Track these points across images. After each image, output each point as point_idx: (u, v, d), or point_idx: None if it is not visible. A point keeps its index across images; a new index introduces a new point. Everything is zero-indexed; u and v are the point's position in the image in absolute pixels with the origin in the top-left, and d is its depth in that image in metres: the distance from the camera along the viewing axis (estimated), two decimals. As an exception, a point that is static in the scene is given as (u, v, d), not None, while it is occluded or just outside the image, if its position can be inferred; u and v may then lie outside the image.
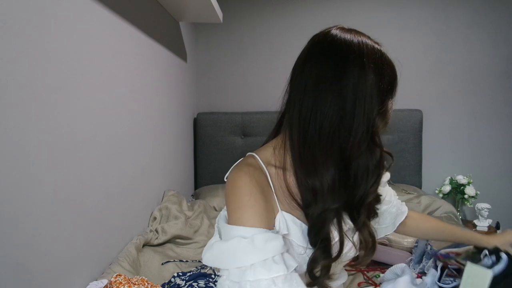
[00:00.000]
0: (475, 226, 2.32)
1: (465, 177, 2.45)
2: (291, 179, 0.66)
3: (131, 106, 1.47)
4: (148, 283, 1.08)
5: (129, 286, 1.01)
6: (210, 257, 0.61)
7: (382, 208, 0.84)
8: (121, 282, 1.01)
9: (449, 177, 2.53)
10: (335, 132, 0.60)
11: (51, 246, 0.93)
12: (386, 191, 0.88)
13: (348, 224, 0.68)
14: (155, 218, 1.64)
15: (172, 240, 1.57)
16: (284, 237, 0.63)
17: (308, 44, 0.66)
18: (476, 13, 2.48)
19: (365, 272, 1.33)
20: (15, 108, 0.80)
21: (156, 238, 1.52)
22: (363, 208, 0.67)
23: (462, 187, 2.42)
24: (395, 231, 0.93)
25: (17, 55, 0.80)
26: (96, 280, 1.11)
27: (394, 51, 2.49)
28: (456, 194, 2.46)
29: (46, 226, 0.91)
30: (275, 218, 0.64)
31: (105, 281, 1.07)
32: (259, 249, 0.57)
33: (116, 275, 1.06)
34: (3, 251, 0.77)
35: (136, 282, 1.05)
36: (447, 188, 2.46)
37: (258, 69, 2.63)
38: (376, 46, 0.65)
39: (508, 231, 0.96)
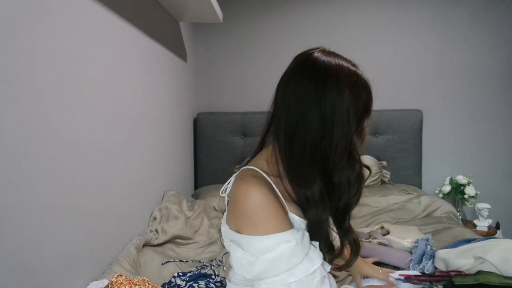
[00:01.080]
0: (475, 226, 2.33)
1: (465, 177, 2.45)
2: (288, 186, 0.72)
3: (131, 106, 1.47)
4: (149, 284, 1.08)
5: (130, 287, 1.01)
6: (260, 270, 0.67)
7: None
8: (122, 283, 1.01)
9: (449, 177, 2.54)
10: (316, 148, 0.66)
11: (51, 246, 0.93)
12: None
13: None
14: (155, 218, 1.64)
15: (172, 240, 1.57)
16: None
17: (291, 65, 0.73)
18: (476, 13, 2.48)
19: None
20: (15, 108, 0.80)
21: (156, 238, 1.52)
22: (347, 215, 0.74)
23: (462, 187, 2.42)
24: None
25: (17, 55, 0.80)
26: (97, 280, 1.11)
27: (394, 51, 2.50)
28: (456, 194, 2.46)
29: (46, 226, 0.91)
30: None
31: (105, 281, 1.07)
32: (302, 246, 0.68)
33: (117, 276, 1.06)
34: (3, 251, 0.77)
35: (137, 283, 1.04)
36: (447, 188, 2.46)
37: (258, 69, 2.63)
38: (352, 68, 0.70)
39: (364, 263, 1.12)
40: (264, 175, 0.72)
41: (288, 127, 0.68)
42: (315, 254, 0.71)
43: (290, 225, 0.69)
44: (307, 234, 0.72)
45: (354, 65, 0.71)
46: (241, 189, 0.69)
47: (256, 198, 0.67)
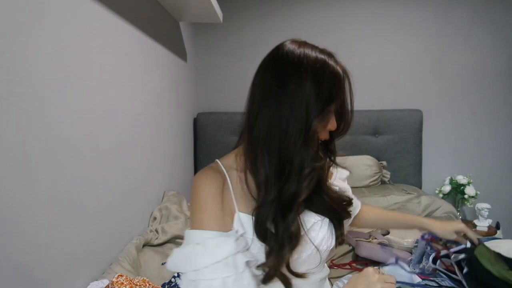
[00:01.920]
0: (475, 226, 2.33)
1: (465, 177, 2.45)
2: (251, 181, 0.71)
3: (131, 106, 1.47)
4: (149, 284, 1.08)
5: (130, 287, 1.01)
6: (171, 263, 0.67)
7: None
8: (122, 283, 1.01)
9: (449, 177, 2.53)
10: (272, 134, 0.66)
11: (51, 246, 0.93)
12: (346, 187, 0.94)
13: (311, 222, 0.75)
14: (155, 218, 1.64)
15: (172, 240, 1.57)
16: (243, 236, 0.69)
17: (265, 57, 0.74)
18: (476, 13, 2.48)
19: (353, 265, 1.36)
20: (15, 108, 0.80)
21: (156, 238, 1.52)
22: (295, 204, 0.70)
23: (462, 187, 2.42)
24: (350, 225, 1.02)
25: (17, 55, 0.80)
26: (97, 280, 1.11)
27: (394, 51, 2.50)
28: (456, 194, 2.46)
29: (46, 226, 0.91)
30: (233, 218, 0.69)
31: (105, 281, 1.07)
32: (211, 253, 0.64)
33: (118, 276, 1.06)
34: (3, 251, 0.77)
35: (138, 283, 1.04)
36: (447, 188, 2.46)
37: (258, 69, 2.63)
38: (320, 56, 0.68)
39: (452, 222, 1.08)
40: (223, 168, 0.73)
41: (250, 115, 0.70)
42: (245, 275, 0.65)
43: (219, 226, 0.66)
44: (240, 256, 0.66)
45: (326, 53, 0.70)
46: (193, 179, 0.72)
47: (198, 190, 0.69)
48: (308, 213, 0.76)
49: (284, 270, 0.70)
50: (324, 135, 0.73)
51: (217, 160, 0.77)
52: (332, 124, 0.72)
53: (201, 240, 0.65)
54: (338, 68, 0.69)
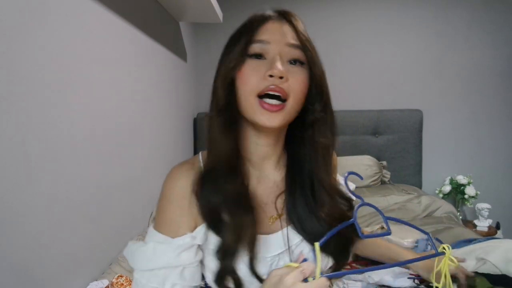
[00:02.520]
0: (475, 226, 2.32)
1: (465, 177, 2.45)
2: None
3: (131, 106, 1.47)
4: (148, 284, 1.08)
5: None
6: (127, 251, 0.64)
7: None
8: (122, 284, 1.01)
9: (449, 177, 2.53)
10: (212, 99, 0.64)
11: (51, 246, 0.93)
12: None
13: (296, 239, 0.65)
14: (155, 218, 1.64)
15: (172, 240, 1.57)
16: (200, 247, 0.63)
17: None
18: (476, 13, 2.48)
19: (353, 265, 1.35)
20: (15, 108, 0.80)
21: (156, 238, 1.52)
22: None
23: (462, 187, 2.42)
24: None
25: (17, 55, 0.80)
26: (97, 280, 1.11)
27: (394, 51, 2.49)
28: (456, 194, 2.46)
29: (46, 226, 0.91)
30: (196, 225, 0.63)
31: (105, 282, 1.07)
32: (150, 257, 0.59)
33: (118, 276, 1.06)
34: (3, 251, 0.76)
35: (137, 283, 1.04)
36: (447, 188, 2.46)
37: (258, 69, 2.63)
38: (257, 13, 0.65)
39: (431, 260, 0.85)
40: (201, 163, 0.66)
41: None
42: None
43: (175, 232, 0.61)
44: (190, 271, 0.61)
45: (270, 12, 0.65)
46: (167, 174, 0.67)
47: (165, 188, 0.64)
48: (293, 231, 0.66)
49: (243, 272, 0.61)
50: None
51: (201, 152, 0.70)
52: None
53: (148, 240, 0.62)
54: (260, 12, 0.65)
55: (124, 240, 1.38)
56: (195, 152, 2.57)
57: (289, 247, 0.64)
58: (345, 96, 2.55)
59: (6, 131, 0.77)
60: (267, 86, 0.58)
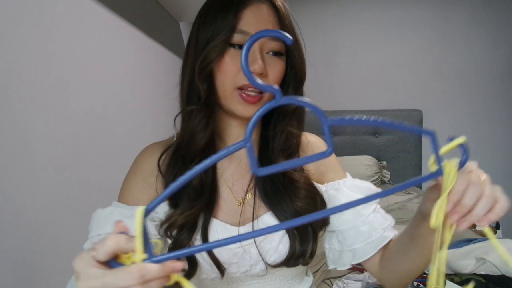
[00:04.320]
0: (475, 226, 2.32)
1: (465, 177, 2.44)
2: None
3: (131, 106, 1.47)
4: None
5: None
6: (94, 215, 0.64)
7: (344, 225, 0.69)
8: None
9: (449, 177, 2.53)
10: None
11: (51, 246, 0.93)
12: (351, 197, 0.69)
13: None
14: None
15: (172, 240, 1.57)
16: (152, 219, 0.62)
17: None
18: (476, 13, 2.48)
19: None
20: (15, 108, 0.80)
21: (156, 238, 1.52)
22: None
23: (462, 187, 2.42)
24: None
25: (17, 55, 0.80)
26: (96, 280, 1.11)
27: (394, 50, 2.48)
28: (456, 194, 2.46)
29: (46, 226, 0.91)
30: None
31: (105, 281, 1.07)
32: (105, 224, 0.61)
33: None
34: (3, 250, 0.77)
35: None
36: (447, 188, 2.45)
37: (258, 69, 2.63)
38: None
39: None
40: (175, 142, 0.68)
41: None
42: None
43: (136, 202, 0.62)
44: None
45: None
46: None
47: (136, 160, 0.68)
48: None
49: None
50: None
51: (176, 132, 0.72)
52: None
53: (106, 209, 0.63)
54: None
55: (124, 240, 1.38)
56: (195, 152, 2.57)
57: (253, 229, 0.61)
58: (345, 96, 2.55)
59: (6, 131, 0.77)
60: (247, 84, 0.57)
